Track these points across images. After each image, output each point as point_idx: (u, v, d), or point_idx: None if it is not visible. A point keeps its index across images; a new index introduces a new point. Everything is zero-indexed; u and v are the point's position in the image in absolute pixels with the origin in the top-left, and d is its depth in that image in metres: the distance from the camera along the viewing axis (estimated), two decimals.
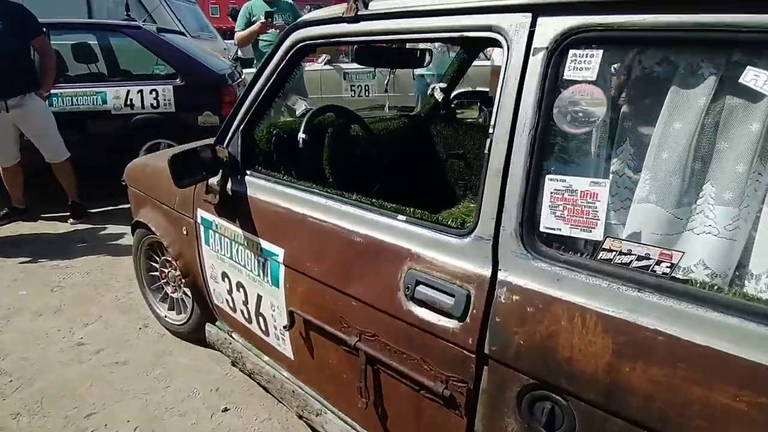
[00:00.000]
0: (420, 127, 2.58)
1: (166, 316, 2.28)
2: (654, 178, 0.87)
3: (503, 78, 0.94)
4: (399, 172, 2.29)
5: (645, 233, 0.88)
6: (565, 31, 0.87)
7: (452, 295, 1.00)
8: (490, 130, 0.96)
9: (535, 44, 0.90)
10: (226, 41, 8.63)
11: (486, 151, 0.97)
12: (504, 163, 0.93)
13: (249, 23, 3.84)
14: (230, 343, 1.86)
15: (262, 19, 3.69)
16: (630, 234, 0.90)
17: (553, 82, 0.89)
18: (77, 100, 3.99)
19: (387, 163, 2.23)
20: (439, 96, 2.49)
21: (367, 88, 7.49)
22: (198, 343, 2.17)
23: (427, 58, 1.97)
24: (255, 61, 4.16)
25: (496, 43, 0.97)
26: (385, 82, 2.49)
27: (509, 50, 0.93)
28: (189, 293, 2.05)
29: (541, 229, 0.92)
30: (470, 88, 5.85)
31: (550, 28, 0.89)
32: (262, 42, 3.93)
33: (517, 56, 0.92)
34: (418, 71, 5.49)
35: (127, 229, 2.48)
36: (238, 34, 3.94)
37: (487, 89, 5.39)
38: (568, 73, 0.88)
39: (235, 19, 4.03)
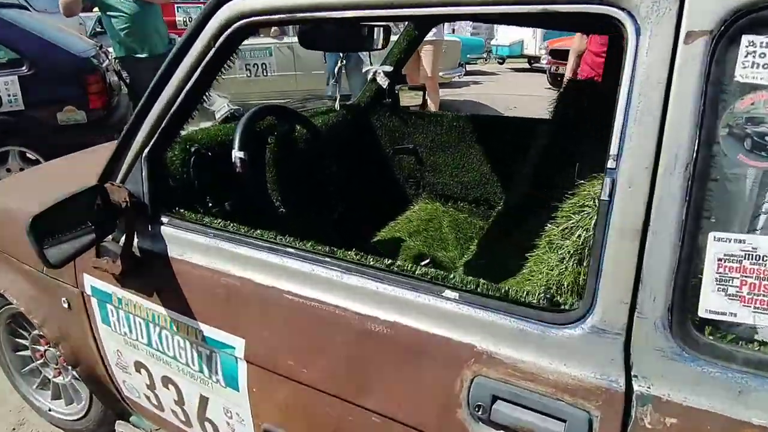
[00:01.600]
0: (361, 120, 2.18)
1: (51, 410, 1.64)
2: None
3: (630, 81, 0.59)
4: (344, 174, 1.87)
5: None
6: (740, 6, 0.54)
7: (561, 419, 0.65)
8: (610, 165, 0.61)
9: (687, 25, 0.56)
10: (81, 14, 7.25)
11: (604, 198, 0.61)
12: (644, 216, 0.59)
13: None
14: None
15: None
16: None
17: (718, 88, 0.56)
18: None
19: (334, 167, 1.79)
20: (383, 81, 2.09)
21: (264, 66, 6.70)
22: None
23: (382, 38, 1.55)
24: (112, 42, 3.40)
25: (610, 25, 0.60)
26: (336, 69, 1.99)
27: (639, 36, 0.58)
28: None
29: (702, 314, 0.60)
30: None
31: (714, 1, 0.55)
32: (115, 18, 3.25)
33: (658, 46, 0.57)
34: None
35: None
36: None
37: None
38: (741, 73, 0.55)
39: None
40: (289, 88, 6.55)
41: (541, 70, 9.71)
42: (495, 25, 11.77)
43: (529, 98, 7.09)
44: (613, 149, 0.60)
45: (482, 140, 2.01)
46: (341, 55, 2.03)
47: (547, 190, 1.46)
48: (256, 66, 6.62)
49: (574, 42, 3.13)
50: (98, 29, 7.01)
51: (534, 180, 1.56)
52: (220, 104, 1.48)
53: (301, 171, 1.42)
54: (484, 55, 11.96)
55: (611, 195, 0.60)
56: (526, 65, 11.62)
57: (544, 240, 0.83)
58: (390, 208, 2.07)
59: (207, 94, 1.04)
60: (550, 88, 8.29)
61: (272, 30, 5.96)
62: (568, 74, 3.19)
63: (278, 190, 1.34)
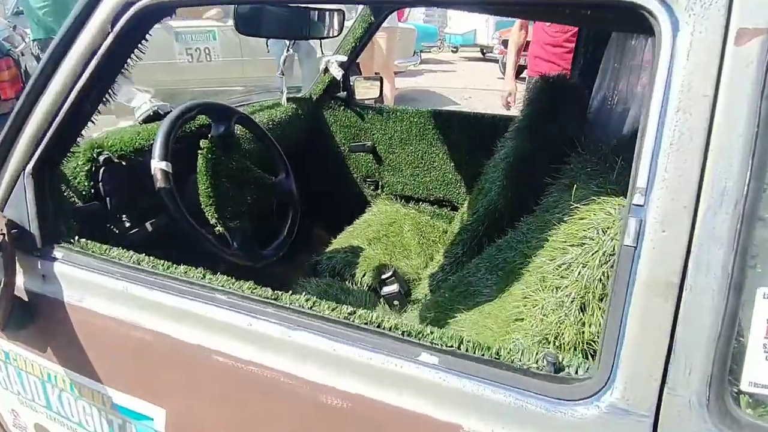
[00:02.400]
0: (313, 114, 1.99)
1: None
2: None
3: (664, 94, 0.44)
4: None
5: None
6: None
7: None
8: (636, 201, 0.46)
9: (738, 21, 0.42)
10: None
11: (628, 243, 0.47)
12: (682, 267, 0.46)
13: None
14: None
15: None
16: None
17: None
18: None
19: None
20: (337, 73, 1.90)
21: (207, 51, 6.23)
22: None
23: (336, 24, 1.36)
24: (30, 22, 3.03)
25: (639, 22, 0.45)
26: (282, 59, 1.76)
27: (677, 33, 0.44)
28: None
29: (745, 387, 0.48)
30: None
31: None
32: None
33: (702, 48, 0.43)
34: None
35: None
36: None
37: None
38: None
39: None
40: (236, 75, 6.15)
41: (494, 60, 9.74)
42: (448, 13, 11.70)
43: (484, 87, 7.07)
44: (641, 181, 0.46)
45: (445, 137, 1.88)
46: (287, 43, 1.82)
47: (517, 196, 1.34)
48: (198, 50, 6.15)
49: (513, 34, 2.99)
50: (19, 8, 6.35)
51: (502, 183, 1.44)
52: (140, 100, 1.23)
53: (242, 180, 1.21)
54: (438, 44, 11.87)
55: (638, 240, 0.46)
56: (479, 54, 11.64)
57: (536, 275, 0.69)
58: (347, 211, 1.90)
59: (112, 90, 0.82)
60: (502, 78, 8.33)
61: (216, 11, 5.53)
62: (509, 68, 3.02)
63: (213, 205, 1.13)
